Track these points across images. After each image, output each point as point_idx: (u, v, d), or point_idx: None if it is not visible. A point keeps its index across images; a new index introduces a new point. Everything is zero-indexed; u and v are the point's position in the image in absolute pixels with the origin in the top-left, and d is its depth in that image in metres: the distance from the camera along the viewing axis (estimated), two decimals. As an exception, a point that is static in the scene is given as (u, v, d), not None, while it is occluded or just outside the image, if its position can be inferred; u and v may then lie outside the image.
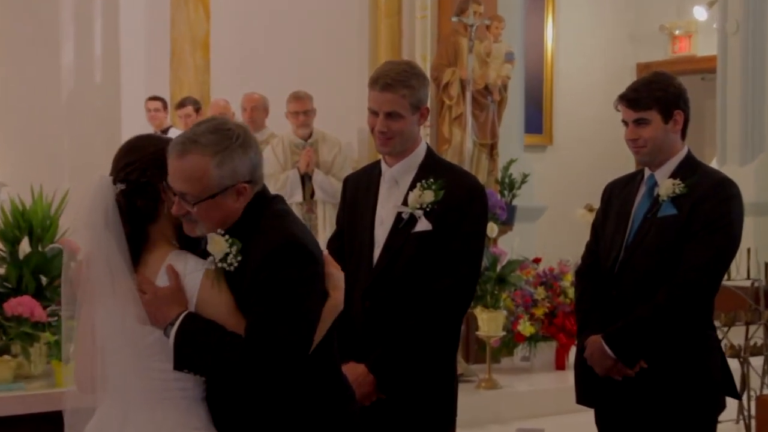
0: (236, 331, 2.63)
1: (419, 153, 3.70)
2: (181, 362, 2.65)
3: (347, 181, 3.92)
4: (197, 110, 9.57)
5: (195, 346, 2.63)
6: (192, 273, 2.69)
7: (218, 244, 2.69)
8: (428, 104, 3.73)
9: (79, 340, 2.79)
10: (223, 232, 2.71)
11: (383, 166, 3.74)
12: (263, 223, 2.72)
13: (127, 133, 11.16)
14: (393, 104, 3.57)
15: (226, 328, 2.64)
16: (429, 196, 3.59)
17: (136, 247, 2.73)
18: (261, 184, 2.79)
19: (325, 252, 2.86)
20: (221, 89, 9.74)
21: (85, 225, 2.73)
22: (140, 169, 2.75)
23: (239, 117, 8.73)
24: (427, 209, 3.59)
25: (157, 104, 9.92)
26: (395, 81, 3.56)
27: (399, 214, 3.62)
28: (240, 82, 9.69)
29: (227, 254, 2.68)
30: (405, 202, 3.63)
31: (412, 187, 3.64)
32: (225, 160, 2.67)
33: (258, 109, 8.75)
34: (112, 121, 10.17)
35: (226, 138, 2.69)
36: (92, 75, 10.62)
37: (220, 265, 2.68)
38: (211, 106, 9.26)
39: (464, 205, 3.60)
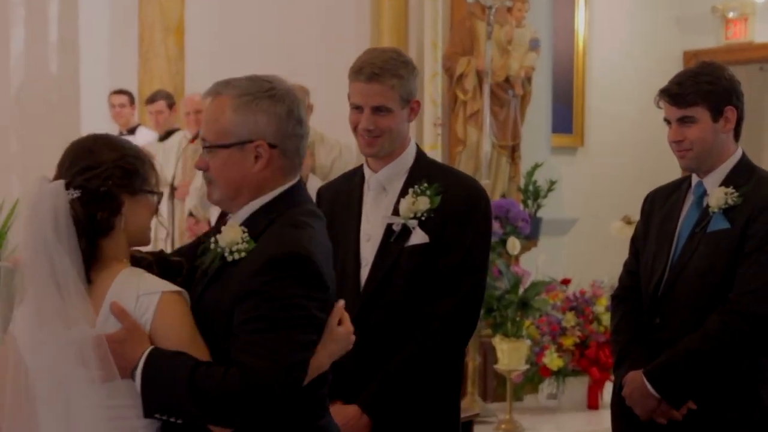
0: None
1: (409, 154, 3.71)
2: (150, 408, 2.64)
3: (321, 194, 3.89)
4: (170, 106, 9.59)
5: (165, 385, 2.63)
6: (145, 295, 2.71)
7: (233, 233, 2.74)
8: (418, 97, 3.74)
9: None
10: (245, 229, 2.74)
11: (366, 171, 3.74)
12: (275, 227, 2.75)
13: (88, 132, 11.15)
14: (381, 97, 3.58)
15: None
16: (424, 203, 3.59)
17: (86, 265, 2.75)
18: (294, 164, 2.82)
19: (341, 302, 2.83)
20: (197, 82, 9.73)
21: (27, 238, 2.74)
22: (102, 177, 2.77)
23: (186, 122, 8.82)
24: (422, 218, 3.59)
25: (123, 99, 9.95)
26: (383, 70, 3.58)
27: (389, 226, 3.62)
28: (219, 73, 9.67)
29: (235, 245, 2.71)
30: (396, 212, 3.63)
31: (402, 193, 3.64)
32: (243, 107, 2.75)
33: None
34: (69, 119, 10.17)
35: (257, 85, 2.79)
36: (46, 64, 10.64)
37: (220, 251, 2.72)
38: (185, 101, 9.29)
39: (465, 213, 3.60)
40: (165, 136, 9.53)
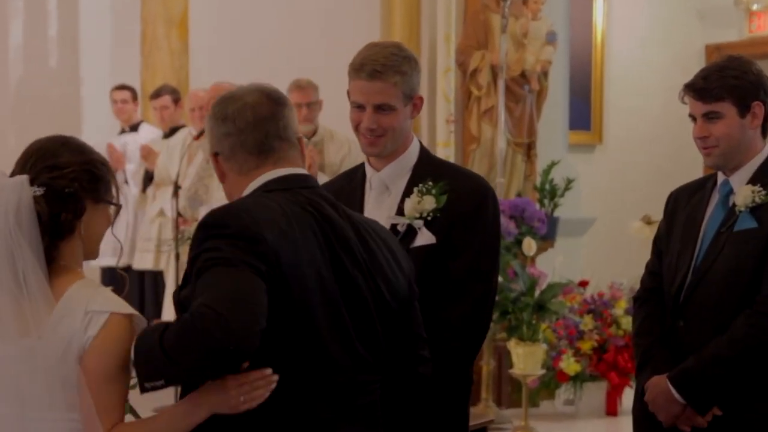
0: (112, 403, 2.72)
1: (412, 152, 3.69)
2: (141, 381, 2.66)
3: None
4: (176, 101, 9.59)
5: (144, 352, 2.67)
6: (94, 312, 2.72)
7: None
8: (422, 87, 3.72)
9: None
10: None
11: (368, 169, 3.72)
12: None
13: (89, 129, 11.22)
14: (383, 95, 3.55)
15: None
16: (429, 203, 3.57)
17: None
18: (241, 159, 2.95)
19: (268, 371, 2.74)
20: (202, 77, 9.75)
21: None
22: (69, 177, 2.80)
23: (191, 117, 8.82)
24: (428, 218, 3.57)
25: (125, 94, 9.95)
26: (385, 67, 3.55)
27: (393, 227, 3.59)
28: (224, 68, 9.68)
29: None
30: (400, 212, 3.61)
31: (407, 193, 3.62)
32: (207, 126, 3.02)
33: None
34: (69, 115, 10.20)
35: (216, 104, 3.01)
36: (46, 59, 10.66)
37: None
38: (189, 97, 9.27)
39: (472, 213, 3.57)
40: (170, 132, 9.52)
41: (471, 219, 3.57)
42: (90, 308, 2.73)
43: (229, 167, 2.95)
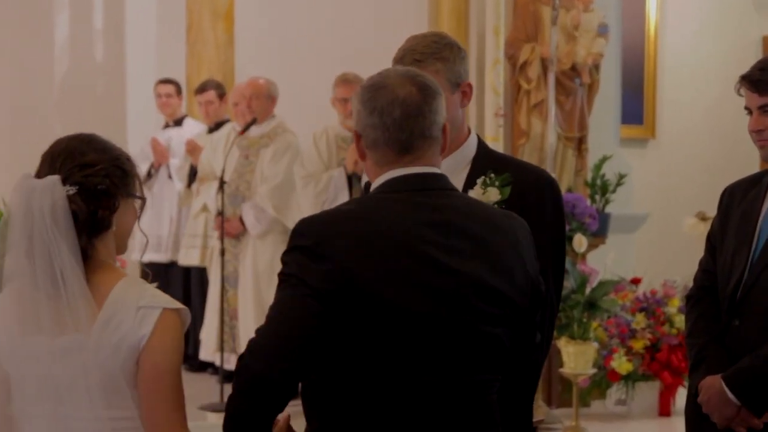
0: (173, 395, 2.82)
1: (470, 145, 3.66)
2: None
3: (368, 189, 3.87)
4: (221, 96, 9.63)
5: None
6: (146, 308, 2.79)
7: None
8: (470, 80, 3.69)
9: None
10: None
11: None
12: None
13: (134, 123, 11.29)
14: None
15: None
16: (494, 195, 3.55)
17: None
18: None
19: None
20: (248, 70, 9.78)
21: (17, 238, 2.79)
22: (101, 174, 2.86)
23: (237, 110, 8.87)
24: None
25: (170, 88, 9.99)
26: (424, 55, 3.54)
27: None
28: (270, 61, 9.73)
29: None
30: None
31: (467, 186, 3.60)
32: (354, 107, 3.07)
33: (260, 97, 8.79)
34: (114, 108, 10.27)
35: (366, 90, 3.05)
36: (91, 52, 10.73)
37: None
38: (234, 91, 9.31)
39: (537, 204, 3.54)
40: (214, 127, 9.57)
41: (536, 212, 3.53)
42: (141, 305, 2.79)
43: (369, 154, 2.99)
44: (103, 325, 2.76)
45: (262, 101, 8.77)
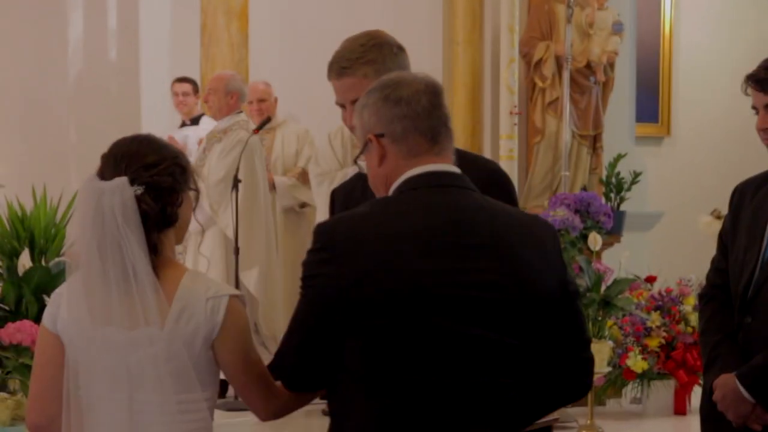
0: (257, 369, 3.04)
1: None
2: None
3: (335, 196, 3.81)
4: (196, 91, 9.71)
5: None
6: (214, 298, 2.98)
7: None
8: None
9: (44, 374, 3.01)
10: None
11: None
12: None
13: (149, 122, 11.29)
14: (356, 91, 3.43)
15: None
16: None
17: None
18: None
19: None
20: (262, 69, 9.80)
21: (88, 235, 2.93)
22: (165, 173, 3.00)
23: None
24: None
25: (187, 87, 10.02)
26: (350, 62, 3.54)
27: None
28: (285, 60, 9.74)
29: None
30: None
31: None
32: (370, 108, 3.08)
33: (217, 92, 8.77)
34: (129, 108, 10.28)
35: (384, 87, 3.09)
36: (105, 52, 10.75)
37: None
38: (248, 89, 9.32)
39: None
40: (191, 122, 9.64)
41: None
42: (209, 296, 2.97)
43: (396, 149, 2.98)
44: (176, 317, 2.93)
45: (219, 96, 8.68)
